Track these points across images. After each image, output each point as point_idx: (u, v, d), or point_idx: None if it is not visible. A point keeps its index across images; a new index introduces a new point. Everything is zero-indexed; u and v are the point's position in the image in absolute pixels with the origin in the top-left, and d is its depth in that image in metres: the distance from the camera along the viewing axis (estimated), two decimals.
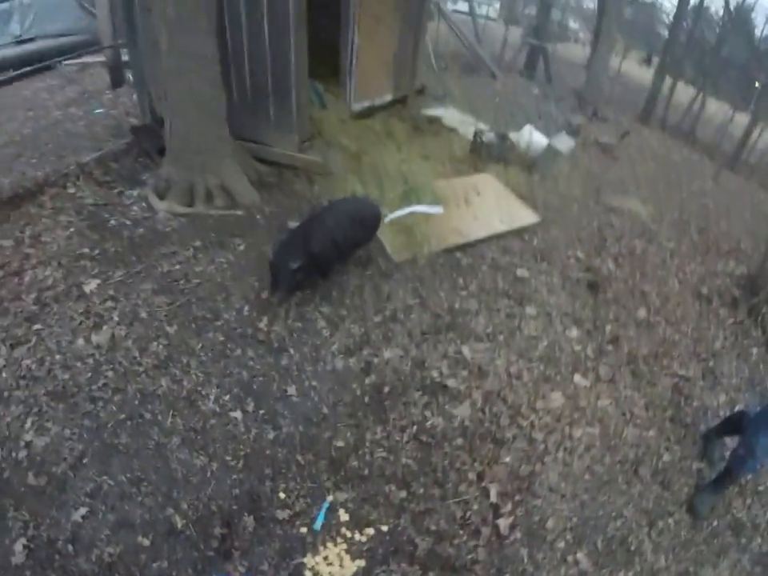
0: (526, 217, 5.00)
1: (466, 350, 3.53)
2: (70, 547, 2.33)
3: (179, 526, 2.47)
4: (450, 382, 3.29)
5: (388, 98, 6.80)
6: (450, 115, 7.12)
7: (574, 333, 3.95)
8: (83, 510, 2.46)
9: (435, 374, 3.33)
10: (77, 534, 2.38)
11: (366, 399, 3.14)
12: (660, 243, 5.56)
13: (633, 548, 2.86)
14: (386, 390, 3.19)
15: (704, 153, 11.10)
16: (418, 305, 3.82)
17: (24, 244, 3.88)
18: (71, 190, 4.51)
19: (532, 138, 6.36)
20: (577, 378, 3.61)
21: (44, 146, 5.28)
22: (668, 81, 12.48)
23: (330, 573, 2.37)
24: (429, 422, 3.06)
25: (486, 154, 6.01)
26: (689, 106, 13.00)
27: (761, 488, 3.42)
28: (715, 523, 3.13)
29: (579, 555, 2.73)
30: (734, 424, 3.34)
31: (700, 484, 3.25)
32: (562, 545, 2.75)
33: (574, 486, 3.02)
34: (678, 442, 3.50)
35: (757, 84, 14.27)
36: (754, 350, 4.65)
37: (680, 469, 3.36)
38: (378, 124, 6.36)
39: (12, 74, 6.73)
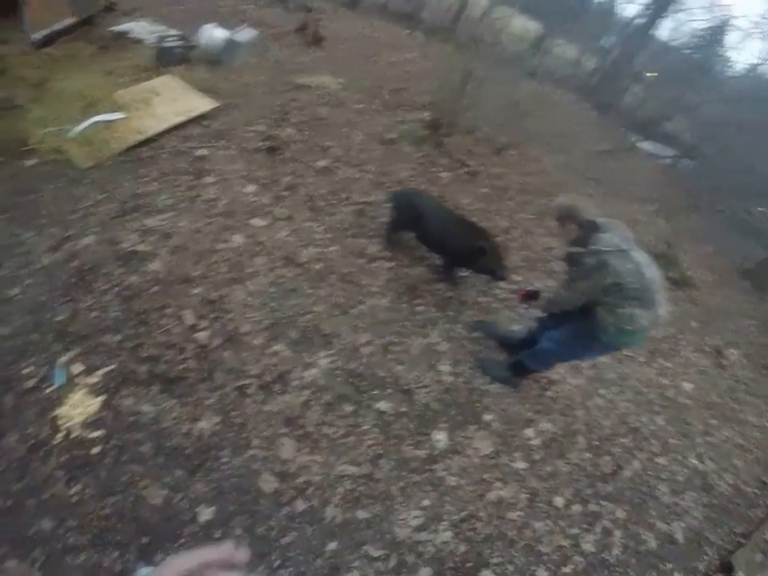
0: (203, 105, 5.77)
1: (151, 222, 4.33)
2: None
3: None
4: (140, 248, 4.10)
5: (69, 21, 7.13)
6: (138, 28, 7.55)
7: (250, 189, 4.90)
8: None
9: (126, 245, 4.11)
10: None
11: (74, 280, 3.88)
12: (348, 107, 6.72)
13: (328, 332, 3.93)
14: (88, 267, 3.95)
15: (420, 29, 12.77)
16: (106, 198, 4.53)
17: None
18: None
19: (212, 35, 7.10)
20: (254, 221, 4.59)
21: None
22: None
23: (79, 413, 3.16)
24: (127, 282, 3.87)
25: (169, 58, 6.66)
26: None
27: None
28: (419, 308, 4.36)
29: (277, 347, 3.73)
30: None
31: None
32: (259, 341, 3.73)
33: (262, 298, 4.01)
34: (358, 256, 4.65)
35: None
36: (444, 174, 6.06)
37: (367, 270, 4.54)
38: (60, 50, 6.75)
39: None
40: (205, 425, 3.23)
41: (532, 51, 12.37)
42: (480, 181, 6.21)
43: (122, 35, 7.35)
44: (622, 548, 3.61)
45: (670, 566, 3.69)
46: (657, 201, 10.41)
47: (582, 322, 3.49)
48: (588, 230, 3.28)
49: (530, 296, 3.95)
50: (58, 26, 6.91)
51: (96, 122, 5.25)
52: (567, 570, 3.34)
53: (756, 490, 4.77)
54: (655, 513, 3.95)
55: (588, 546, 3.50)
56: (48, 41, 6.76)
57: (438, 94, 6.87)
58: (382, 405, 3.62)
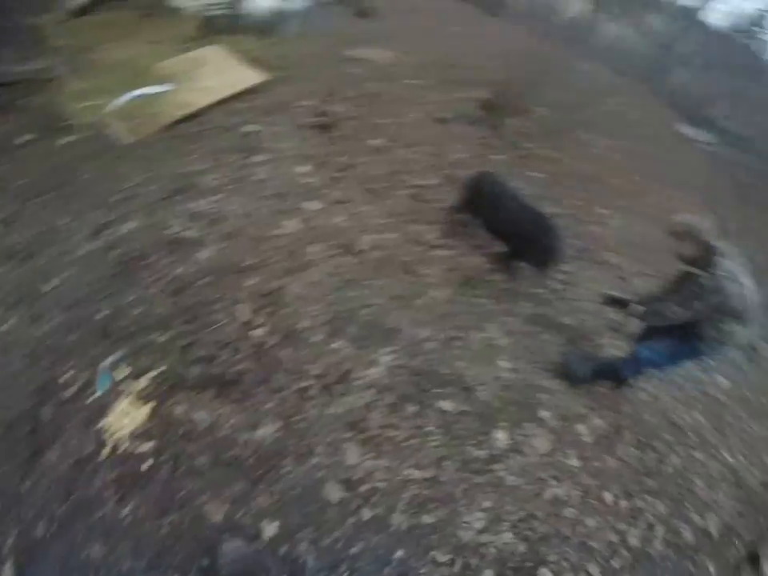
0: (252, 78, 5.57)
1: (199, 205, 4.19)
2: None
3: None
4: (189, 234, 3.96)
5: None
6: None
7: (303, 169, 4.73)
8: None
9: (173, 231, 3.97)
10: None
11: (117, 270, 3.73)
12: (400, 83, 6.49)
13: (389, 327, 3.81)
14: (132, 256, 3.80)
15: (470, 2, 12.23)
16: (151, 178, 4.38)
17: None
18: None
19: (261, 3, 6.82)
20: (309, 204, 4.43)
21: None
22: None
23: (127, 423, 3.00)
24: (175, 272, 3.73)
25: (215, 27, 6.43)
26: None
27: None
28: (478, 300, 4.25)
29: (338, 343, 3.61)
30: None
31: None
32: (319, 338, 3.61)
33: (321, 289, 3.88)
34: (417, 244, 4.49)
35: None
36: (499, 157, 5.86)
37: (426, 259, 4.40)
38: (99, 18, 6.58)
39: None
40: (265, 432, 3.14)
41: (581, 29, 11.95)
42: (533, 165, 6.00)
43: (164, 2, 7.09)
44: (663, 542, 3.61)
45: (704, 558, 3.70)
46: (702, 190, 10.15)
47: (684, 334, 3.59)
48: (710, 254, 3.35)
49: (617, 302, 3.99)
50: None
51: (140, 95, 5.10)
52: (616, 564, 3.34)
53: None
54: (692, 507, 3.95)
55: (634, 540, 3.51)
56: (86, 8, 6.57)
57: (494, 71, 6.66)
58: (445, 404, 3.53)
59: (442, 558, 2.94)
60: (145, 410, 3.08)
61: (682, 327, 3.54)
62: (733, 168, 14.33)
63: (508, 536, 3.14)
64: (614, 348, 4.55)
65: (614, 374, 4.07)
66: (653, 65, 16.37)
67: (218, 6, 6.67)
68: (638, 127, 10.20)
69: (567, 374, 4.05)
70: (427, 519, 3.04)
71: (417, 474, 3.17)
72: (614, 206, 6.37)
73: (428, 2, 10.72)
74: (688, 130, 15.15)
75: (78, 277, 3.69)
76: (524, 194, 4.88)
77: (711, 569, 3.69)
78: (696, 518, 3.91)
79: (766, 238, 10.89)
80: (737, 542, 3.96)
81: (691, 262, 3.45)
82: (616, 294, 4.20)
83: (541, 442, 3.62)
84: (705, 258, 3.35)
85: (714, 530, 3.90)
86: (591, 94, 7.72)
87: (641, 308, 3.81)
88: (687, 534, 3.75)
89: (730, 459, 4.55)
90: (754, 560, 3.92)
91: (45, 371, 3.22)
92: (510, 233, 4.43)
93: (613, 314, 4.34)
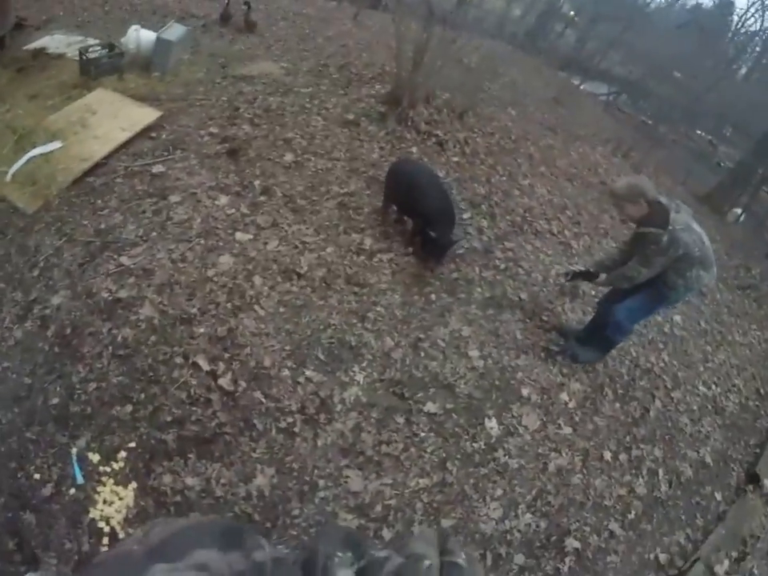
0: (147, 116, 5.25)
1: (125, 260, 3.88)
2: None
3: None
4: (122, 294, 3.67)
5: None
6: (55, 42, 6.80)
7: (223, 200, 4.47)
8: None
9: (106, 294, 3.66)
10: None
11: (57, 349, 3.41)
12: (297, 92, 6.29)
13: (354, 344, 3.70)
14: (68, 331, 3.48)
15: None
16: (67, 242, 4.05)
17: None
18: None
19: (140, 37, 6.42)
20: (238, 235, 4.20)
21: None
22: None
23: (116, 510, 2.76)
24: (119, 337, 3.43)
25: (97, 70, 5.99)
26: None
27: (459, 251, 4.65)
28: (432, 296, 4.25)
29: (308, 373, 3.46)
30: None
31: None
32: (287, 373, 3.44)
33: (274, 321, 3.70)
34: (356, 253, 4.39)
35: None
36: (414, 149, 5.81)
37: (369, 266, 4.31)
38: None
39: None
40: (261, 481, 2.99)
41: (465, 9, 12.17)
42: (449, 149, 5.98)
43: (40, 52, 6.61)
44: (668, 483, 3.83)
45: (709, 488, 3.96)
46: (609, 140, 10.53)
47: (652, 287, 3.76)
48: (660, 211, 3.50)
49: (582, 275, 4.14)
50: None
51: (33, 157, 4.70)
52: (632, 516, 3.51)
53: (757, 403, 5.13)
54: (684, 444, 4.18)
55: (641, 489, 3.69)
56: None
57: (388, 64, 6.68)
58: (431, 406, 3.51)
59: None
60: (129, 490, 2.84)
61: (648, 281, 3.67)
62: (633, 112, 15.06)
63: (527, 517, 3.23)
64: (572, 312, 4.67)
65: (610, 344, 4.21)
66: (540, 31, 17.03)
67: (95, 48, 6.21)
68: (540, 92, 10.53)
69: (581, 363, 4.23)
70: (447, 522, 3.06)
71: (423, 482, 3.16)
72: (536, 173, 6.48)
73: (304, 7, 10.53)
74: (587, 85, 15.80)
75: (19, 366, 3.35)
76: (443, 180, 4.97)
77: (718, 497, 3.93)
78: (691, 453, 4.15)
79: (676, 173, 11.56)
80: (733, 466, 4.25)
81: (644, 222, 3.58)
82: (577, 268, 4.46)
83: (530, 420, 3.69)
84: (657, 215, 3.47)
85: (709, 459, 4.15)
86: (488, 69, 7.80)
87: (606, 276, 3.96)
88: (687, 471, 3.99)
89: (706, 390, 4.83)
90: (755, 479, 4.21)
91: (12, 475, 2.93)
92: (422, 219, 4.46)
93: (563, 279, 4.43)
